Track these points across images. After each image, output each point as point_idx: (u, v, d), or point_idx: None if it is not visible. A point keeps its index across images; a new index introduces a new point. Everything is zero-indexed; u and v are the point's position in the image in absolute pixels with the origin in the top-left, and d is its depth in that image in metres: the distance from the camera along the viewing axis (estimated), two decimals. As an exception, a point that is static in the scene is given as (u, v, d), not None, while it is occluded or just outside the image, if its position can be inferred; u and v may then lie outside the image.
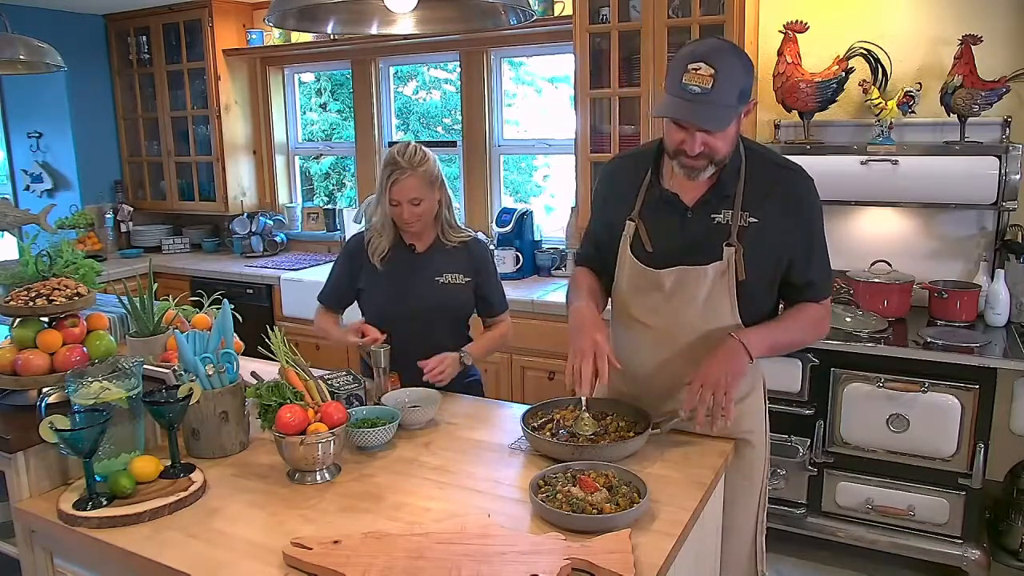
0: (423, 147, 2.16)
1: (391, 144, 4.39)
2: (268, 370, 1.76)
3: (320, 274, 4.02)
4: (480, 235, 2.43)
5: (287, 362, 1.69)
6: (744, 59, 1.57)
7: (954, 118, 2.78)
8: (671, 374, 1.77)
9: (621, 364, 1.70)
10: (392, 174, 2.09)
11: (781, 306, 1.81)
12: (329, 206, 4.74)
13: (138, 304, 2.02)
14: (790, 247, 1.68)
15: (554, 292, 3.42)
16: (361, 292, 2.27)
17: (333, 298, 2.33)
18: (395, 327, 2.14)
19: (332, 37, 4.05)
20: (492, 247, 3.69)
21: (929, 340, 2.62)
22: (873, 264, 2.96)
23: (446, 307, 2.21)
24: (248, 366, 1.82)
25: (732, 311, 1.68)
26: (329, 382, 1.85)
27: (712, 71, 1.49)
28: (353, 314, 2.32)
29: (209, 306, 2.16)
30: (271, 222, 4.59)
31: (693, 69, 1.50)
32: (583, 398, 1.77)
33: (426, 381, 2.03)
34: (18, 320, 1.71)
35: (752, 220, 1.65)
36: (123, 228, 4.88)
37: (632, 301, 1.78)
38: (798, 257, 1.69)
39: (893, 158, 2.76)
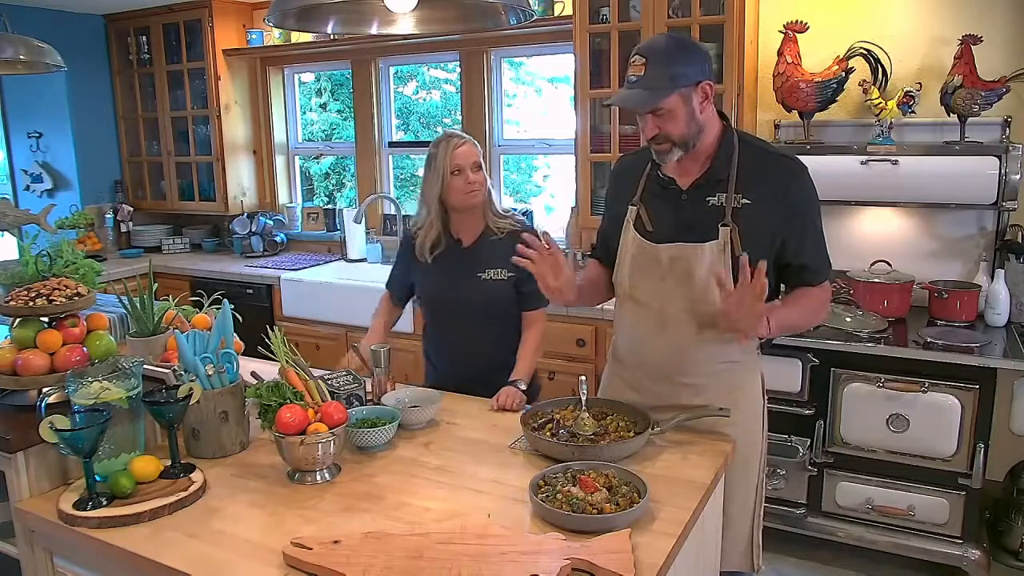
0: None
1: (391, 144, 4.42)
2: (268, 370, 1.76)
3: (320, 274, 4.04)
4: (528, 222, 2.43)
5: (287, 362, 1.69)
6: (681, 47, 1.69)
7: (954, 118, 2.78)
8: (672, 356, 1.81)
9: (624, 350, 1.87)
10: (450, 143, 2.16)
11: (782, 289, 1.86)
12: (329, 206, 4.74)
13: (138, 304, 2.02)
14: (782, 229, 1.73)
15: (554, 292, 3.41)
16: (414, 285, 2.35)
17: (398, 285, 2.40)
18: (443, 319, 2.28)
19: (332, 37, 4.05)
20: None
21: (929, 340, 2.62)
22: (873, 264, 2.96)
23: (488, 304, 2.23)
24: (248, 366, 1.81)
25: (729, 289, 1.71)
26: (329, 382, 1.85)
27: (644, 60, 1.67)
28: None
29: (209, 306, 2.16)
30: (271, 222, 4.58)
31: (632, 63, 1.69)
32: (583, 398, 1.78)
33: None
34: (18, 320, 1.71)
35: (745, 201, 1.72)
36: (123, 228, 4.87)
37: (634, 280, 1.83)
38: (791, 240, 1.74)
39: (893, 158, 2.76)
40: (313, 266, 4.19)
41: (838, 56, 2.94)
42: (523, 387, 2.10)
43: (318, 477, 1.60)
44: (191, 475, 1.58)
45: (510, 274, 2.22)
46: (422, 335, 2.44)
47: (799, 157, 1.78)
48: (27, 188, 4.83)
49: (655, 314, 1.80)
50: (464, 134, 2.22)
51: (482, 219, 2.25)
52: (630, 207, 1.84)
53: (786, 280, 1.83)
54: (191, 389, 1.60)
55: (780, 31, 2.97)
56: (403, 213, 4.20)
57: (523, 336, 2.28)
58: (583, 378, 1.83)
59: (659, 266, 1.78)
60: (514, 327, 2.28)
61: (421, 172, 2.28)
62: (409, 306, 2.48)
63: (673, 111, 1.67)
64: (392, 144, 4.45)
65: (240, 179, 4.69)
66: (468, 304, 2.22)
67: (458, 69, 4.10)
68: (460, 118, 4.13)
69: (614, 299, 1.96)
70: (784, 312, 1.74)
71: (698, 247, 1.73)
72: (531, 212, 3.82)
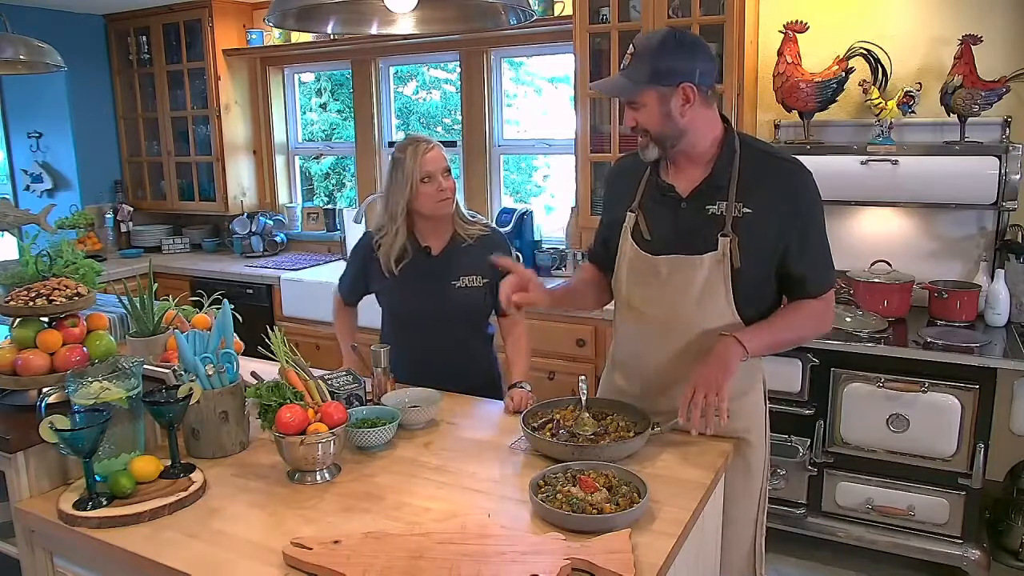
0: None
1: (391, 144, 4.42)
2: (268, 370, 1.76)
3: (320, 274, 4.04)
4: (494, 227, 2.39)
5: (287, 362, 1.69)
6: (674, 44, 1.65)
7: (954, 118, 2.78)
8: (671, 366, 1.78)
9: (623, 357, 1.86)
10: (419, 148, 2.09)
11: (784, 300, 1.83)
12: (329, 206, 4.74)
13: (138, 304, 2.02)
14: (784, 237, 1.69)
15: (554, 292, 3.41)
16: (377, 295, 2.27)
17: (348, 290, 2.36)
18: (413, 330, 2.17)
19: (332, 37, 4.05)
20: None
21: (929, 340, 2.62)
22: (873, 264, 2.96)
23: (462, 311, 2.19)
24: (248, 366, 1.81)
25: (728, 300, 1.70)
26: (329, 382, 1.85)
27: (632, 51, 1.67)
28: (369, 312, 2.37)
29: (209, 306, 2.16)
30: (271, 222, 4.58)
31: (627, 52, 1.69)
32: (583, 398, 1.78)
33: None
34: (18, 320, 1.71)
35: (746, 210, 1.68)
36: (123, 228, 4.88)
37: (632, 290, 1.81)
38: (792, 248, 1.70)
39: (893, 158, 2.76)
40: (313, 266, 4.19)
41: (838, 56, 2.94)
42: (529, 388, 2.10)
43: (318, 477, 1.60)
44: (191, 475, 1.58)
45: (485, 280, 2.18)
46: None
47: (801, 159, 1.75)
48: (27, 188, 4.83)
49: (654, 323, 1.77)
50: (430, 138, 2.15)
51: (451, 226, 2.19)
52: (628, 213, 1.80)
53: (787, 291, 1.78)
54: (191, 389, 1.60)
55: (780, 31, 2.97)
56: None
57: (510, 340, 2.27)
58: (583, 378, 1.82)
59: (657, 277, 1.75)
60: (484, 334, 2.28)
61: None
62: None
63: (648, 107, 1.66)
64: (392, 144, 4.45)
65: (240, 179, 4.69)
66: (442, 313, 2.16)
67: (458, 69, 4.10)
68: (460, 118, 4.13)
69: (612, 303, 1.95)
70: (767, 333, 1.71)
71: (696, 259, 1.69)
72: (531, 212, 3.82)
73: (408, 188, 2.09)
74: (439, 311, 2.16)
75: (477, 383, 2.17)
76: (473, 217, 2.27)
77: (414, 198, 2.10)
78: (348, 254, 2.37)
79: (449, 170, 2.14)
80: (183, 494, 1.51)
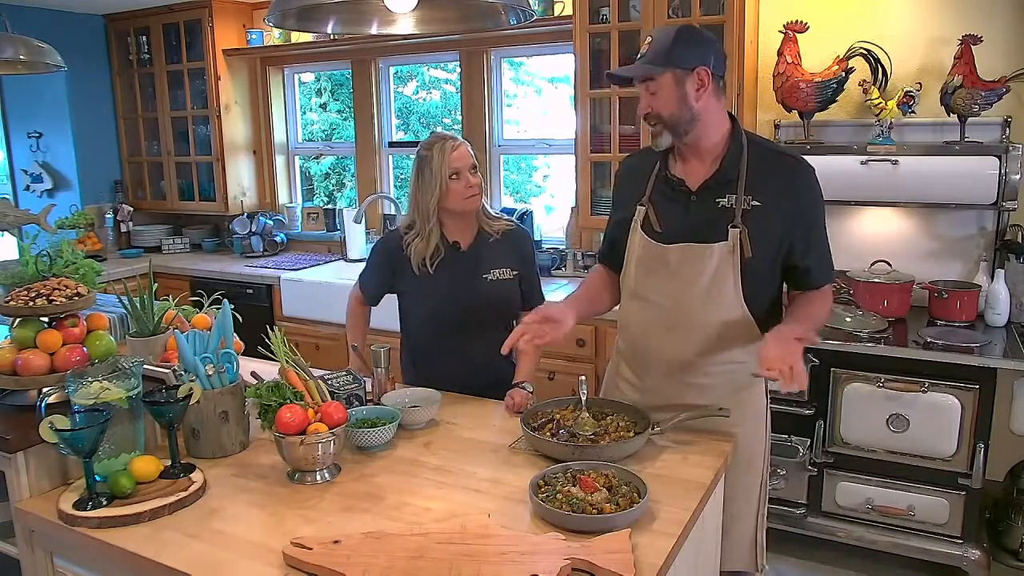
0: None
1: (391, 144, 4.42)
2: (268, 370, 1.76)
3: (320, 274, 4.03)
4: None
5: (287, 362, 1.69)
6: (688, 33, 1.71)
7: (954, 118, 2.78)
8: (676, 357, 1.80)
9: (629, 349, 1.89)
10: (445, 145, 2.10)
11: (785, 291, 1.86)
12: (329, 206, 4.74)
13: (138, 304, 2.02)
14: (790, 231, 1.73)
15: (553, 292, 3.41)
16: (403, 295, 2.25)
17: (374, 291, 2.30)
18: (445, 329, 2.16)
19: (332, 37, 4.05)
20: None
21: (929, 340, 2.62)
22: (873, 264, 2.96)
23: (496, 304, 2.19)
24: (248, 366, 1.82)
25: (736, 292, 1.72)
26: (329, 382, 1.85)
27: (649, 39, 1.73)
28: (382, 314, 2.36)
29: (209, 306, 2.16)
30: (271, 222, 4.58)
31: (642, 41, 1.77)
32: (583, 398, 1.79)
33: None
34: (18, 320, 1.71)
35: (755, 203, 1.71)
36: (123, 228, 4.87)
37: (640, 280, 1.82)
38: (798, 242, 1.74)
39: (893, 158, 2.76)
40: (313, 266, 4.19)
41: (838, 56, 2.94)
42: (530, 389, 2.09)
43: (318, 477, 1.60)
44: (191, 475, 1.58)
45: (514, 272, 2.21)
46: (408, 346, 2.32)
47: (804, 158, 1.78)
48: (27, 188, 4.83)
49: (662, 314, 1.79)
50: (455, 135, 2.16)
51: (476, 222, 2.20)
52: (638, 207, 1.83)
53: (790, 282, 1.82)
54: (191, 389, 1.60)
55: (780, 31, 2.97)
56: (403, 213, 4.20)
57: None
58: (583, 378, 1.82)
59: (667, 266, 1.77)
60: (511, 327, 2.27)
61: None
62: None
63: (664, 89, 1.69)
64: (392, 144, 4.45)
65: (240, 179, 4.69)
66: (476, 307, 2.16)
67: (458, 69, 4.10)
68: (460, 118, 4.13)
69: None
70: (811, 323, 1.73)
71: (707, 248, 1.72)
72: (531, 212, 3.82)
73: (437, 186, 2.10)
74: (473, 305, 2.16)
75: (508, 377, 2.16)
76: (497, 214, 2.29)
77: (443, 195, 2.10)
78: (368, 254, 2.33)
79: (476, 166, 2.14)
80: (183, 494, 1.51)
